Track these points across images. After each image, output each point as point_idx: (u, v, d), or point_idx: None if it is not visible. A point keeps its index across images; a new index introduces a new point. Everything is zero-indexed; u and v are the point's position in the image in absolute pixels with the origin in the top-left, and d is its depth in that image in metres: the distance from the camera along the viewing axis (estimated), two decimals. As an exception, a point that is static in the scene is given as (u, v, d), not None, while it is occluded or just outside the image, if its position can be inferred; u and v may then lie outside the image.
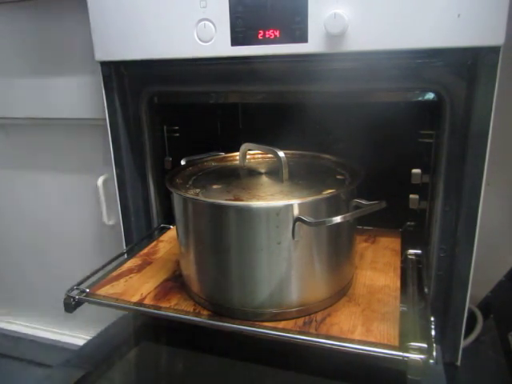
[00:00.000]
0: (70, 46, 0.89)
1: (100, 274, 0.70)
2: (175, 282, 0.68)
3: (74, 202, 1.06)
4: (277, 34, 0.63)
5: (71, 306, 0.63)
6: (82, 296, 0.64)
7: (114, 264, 0.74)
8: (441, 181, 0.68)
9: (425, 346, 0.50)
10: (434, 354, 0.49)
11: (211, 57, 0.68)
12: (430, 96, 0.67)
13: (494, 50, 0.58)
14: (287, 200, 0.55)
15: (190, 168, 0.73)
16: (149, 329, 0.77)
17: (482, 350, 0.87)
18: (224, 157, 0.78)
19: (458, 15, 0.56)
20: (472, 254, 0.67)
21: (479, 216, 0.65)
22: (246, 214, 0.55)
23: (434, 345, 0.51)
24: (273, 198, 0.57)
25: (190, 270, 0.63)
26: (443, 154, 0.67)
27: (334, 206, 0.56)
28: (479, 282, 0.71)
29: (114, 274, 0.71)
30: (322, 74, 0.69)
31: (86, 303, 0.64)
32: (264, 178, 0.66)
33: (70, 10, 0.85)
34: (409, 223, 0.86)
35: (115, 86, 0.80)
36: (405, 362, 0.49)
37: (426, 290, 0.67)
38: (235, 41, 0.65)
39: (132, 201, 0.88)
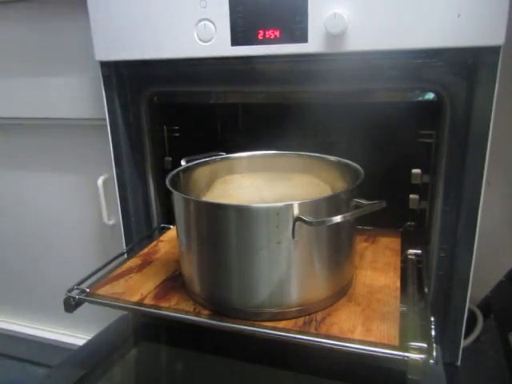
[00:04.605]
0: (70, 46, 0.89)
1: (100, 274, 0.70)
2: (175, 282, 0.67)
3: (74, 201, 1.06)
4: (277, 33, 0.63)
5: (71, 305, 0.63)
6: (82, 296, 0.63)
7: (114, 264, 0.74)
8: (441, 181, 0.68)
9: (425, 345, 0.50)
10: (434, 353, 0.49)
11: (211, 57, 0.68)
12: (430, 96, 0.67)
13: (493, 50, 0.58)
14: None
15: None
16: (149, 329, 0.77)
17: (482, 349, 0.87)
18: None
19: (458, 15, 0.56)
20: (472, 253, 0.67)
21: (479, 216, 0.65)
22: (245, 214, 0.55)
23: (434, 345, 0.51)
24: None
25: (189, 269, 0.63)
26: (443, 154, 0.67)
27: (333, 206, 0.56)
28: (479, 282, 0.71)
29: (114, 273, 0.71)
30: (322, 74, 0.69)
31: (86, 303, 0.64)
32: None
33: (70, 10, 0.85)
34: (409, 223, 0.86)
35: (115, 86, 0.80)
36: (405, 362, 0.49)
37: (426, 289, 0.67)
38: (235, 41, 0.65)
39: (132, 201, 0.88)
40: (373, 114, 0.80)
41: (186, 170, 0.71)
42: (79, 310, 0.64)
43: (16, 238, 1.16)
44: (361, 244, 0.78)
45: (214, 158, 0.76)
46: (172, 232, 0.87)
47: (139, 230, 0.90)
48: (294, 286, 0.57)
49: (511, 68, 0.66)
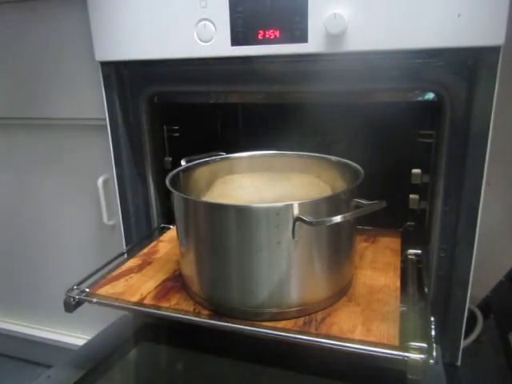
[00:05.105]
0: (70, 46, 0.89)
1: (100, 274, 0.70)
2: (175, 282, 0.67)
3: (74, 202, 1.06)
4: (277, 33, 0.63)
5: (71, 305, 0.63)
6: (82, 296, 0.64)
7: (114, 264, 0.74)
8: (441, 181, 0.68)
9: (425, 345, 0.50)
10: (434, 353, 0.49)
11: (211, 57, 0.68)
12: (430, 96, 0.67)
13: (493, 50, 0.58)
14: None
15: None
16: (149, 329, 0.77)
17: (482, 350, 0.87)
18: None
19: (458, 15, 0.56)
20: (472, 253, 0.67)
21: (479, 216, 0.65)
22: (245, 214, 0.55)
23: (434, 345, 0.51)
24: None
25: (190, 269, 0.63)
26: (443, 154, 0.67)
27: (334, 206, 0.56)
28: (479, 281, 0.71)
29: (114, 273, 0.71)
30: (322, 74, 0.69)
31: (85, 303, 0.64)
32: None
33: (70, 10, 0.85)
34: (409, 223, 0.86)
35: (115, 86, 0.81)
36: (405, 362, 0.49)
37: (425, 289, 0.67)
38: (235, 41, 0.65)
39: (132, 201, 0.88)
40: (373, 114, 0.80)
41: (186, 170, 0.71)
42: (79, 309, 0.64)
43: (16, 237, 1.16)
44: (361, 244, 0.78)
45: (214, 158, 0.76)
46: (172, 232, 0.87)
47: (139, 230, 0.90)
48: (293, 286, 0.57)
49: (511, 68, 0.66)
